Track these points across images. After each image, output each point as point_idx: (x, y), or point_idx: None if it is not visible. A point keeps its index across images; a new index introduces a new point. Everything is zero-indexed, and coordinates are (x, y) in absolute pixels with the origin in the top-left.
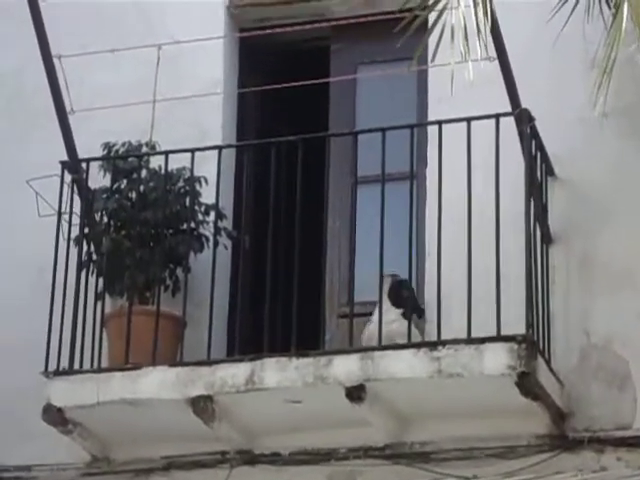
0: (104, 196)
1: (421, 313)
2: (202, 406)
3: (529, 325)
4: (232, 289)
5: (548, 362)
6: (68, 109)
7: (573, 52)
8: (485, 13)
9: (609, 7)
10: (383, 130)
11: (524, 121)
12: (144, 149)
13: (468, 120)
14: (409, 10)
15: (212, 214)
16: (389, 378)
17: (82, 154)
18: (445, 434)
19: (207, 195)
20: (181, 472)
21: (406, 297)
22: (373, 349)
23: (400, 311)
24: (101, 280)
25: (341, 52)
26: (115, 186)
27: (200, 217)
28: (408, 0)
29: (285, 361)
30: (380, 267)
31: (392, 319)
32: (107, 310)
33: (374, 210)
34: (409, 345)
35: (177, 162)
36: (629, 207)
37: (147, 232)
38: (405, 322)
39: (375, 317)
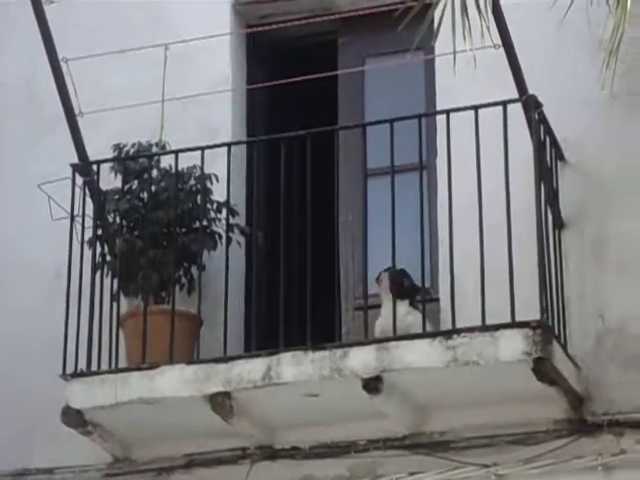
0: (116, 197)
1: (425, 293)
2: (220, 403)
3: (543, 310)
4: (247, 285)
5: (564, 347)
6: (77, 112)
7: (578, 35)
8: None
9: None
10: (391, 121)
11: (531, 107)
12: (154, 149)
13: (475, 108)
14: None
15: (224, 211)
16: (405, 368)
17: (93, 156)
18: (463, 422)
19: (219, 193)
20: (202, 469)
21: (407, 286)
22: (388, 340)
23: (407, 302)
24: (116, 281)
25: (348, 45)
26: (126, 187)
27: (212, 215)
28: None
29: (301, 355)
30: (392, 258)
31: (403, 313)
32: (123, 311)
33: (386, 202)
34: (424, 335)
35: (188, 161)
36: None
37: (160, 231)
38: (417, 313)
39: (384, 312)
